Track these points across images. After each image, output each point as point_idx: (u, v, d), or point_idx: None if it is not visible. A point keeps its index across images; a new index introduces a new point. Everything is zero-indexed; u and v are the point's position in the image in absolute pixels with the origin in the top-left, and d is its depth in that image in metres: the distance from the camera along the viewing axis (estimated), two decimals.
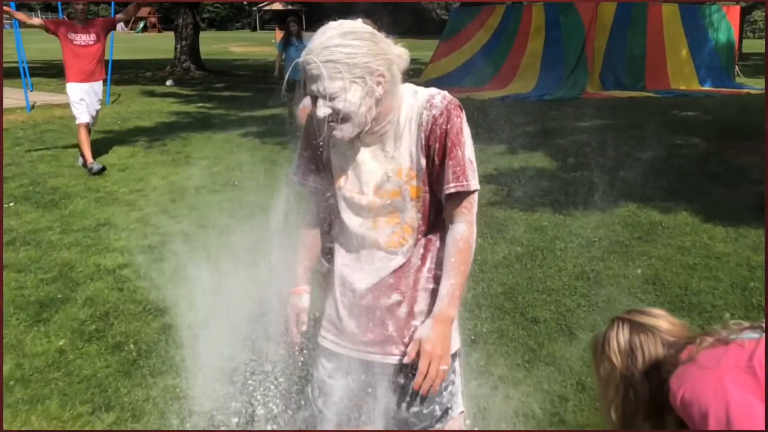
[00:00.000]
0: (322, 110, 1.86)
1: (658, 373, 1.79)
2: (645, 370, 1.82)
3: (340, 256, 2.15)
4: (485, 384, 3.57)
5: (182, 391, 3.55)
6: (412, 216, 2.04)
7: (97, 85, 8.47)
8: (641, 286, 4.81)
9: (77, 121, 8.34)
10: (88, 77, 8.25)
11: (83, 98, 8.27)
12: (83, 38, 8.13)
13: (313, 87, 1.84)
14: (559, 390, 3.55)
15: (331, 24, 1.87)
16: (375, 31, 1.89)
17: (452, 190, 1.98)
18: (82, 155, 8.38)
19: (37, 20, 8.39)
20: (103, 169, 8.22)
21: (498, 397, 3.47)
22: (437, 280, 2.07)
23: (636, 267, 5.15)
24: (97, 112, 8.68)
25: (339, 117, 1.86)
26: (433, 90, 2.02)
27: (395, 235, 2.04)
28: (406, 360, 2.02)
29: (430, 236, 2.08)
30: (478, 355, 3.85)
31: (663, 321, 1.88)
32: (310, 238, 2.26)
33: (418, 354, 1.99)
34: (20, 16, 8.76)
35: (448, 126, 1.96)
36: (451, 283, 2.00)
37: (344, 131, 1.90)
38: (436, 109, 1.96)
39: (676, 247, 5.60)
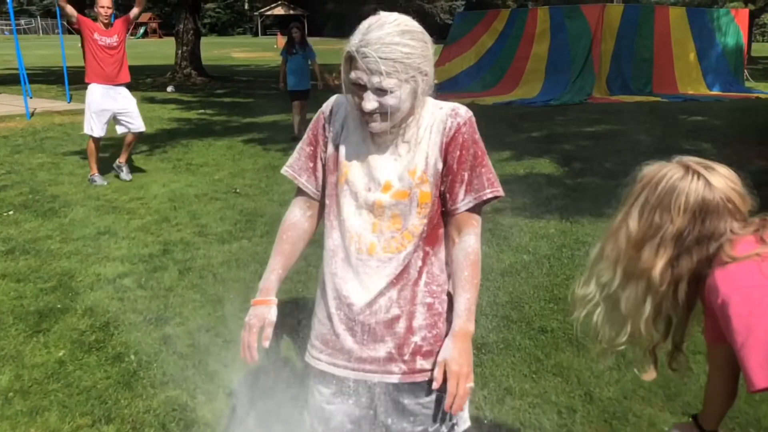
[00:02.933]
0: (371, 104, 1.85)
1: (708, 249, 1.64)
2: (700, 239, 1.65)
3: (327, 264, 2.08)
4: (491, 395, 3.52)
5: (183, 403, 3.49)
6: (415, 223, 1.98)
7: (122, 89, 8.22)
8: None
9: (84, 132, 8.21)
10: (110, 80, 8.07)
11: (104, 108, 8.04)
12: (107, 40, 7.98)
13: (365, 78, 1.83)
14: (566, 401, 3.49)
15: (387, 17, 1.86)
16: (424, 30, 1.90)
17: (489, 195, 1.99)
18: (90, 170, 8.29)
19: (71, 9, 8.18)
20: (104, 184, 8.13)
21: (504, 408, 3.42)
22: (433, 294, 2.03)
23: None
24: (132, 115, 8.27)
25: (386, 111, 1.86)
26: (455, 103, 2.04)
27: (394, 240, 1.99)
28: (435, 386, 1.96)
29: (428, 249, 2.03)
30: (484, 365, 3.79)
31: (735, 192, 1.68)
32: (288, 245, 2.13)
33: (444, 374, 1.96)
34: None
35: (476, 136, 1.99)
36: (467, 298, 1.97)
37: (383, 125, 1.90)
38: (461, 118, 1.98)
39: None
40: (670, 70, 18.21)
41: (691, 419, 2.08)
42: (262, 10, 76.60)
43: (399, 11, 1.91)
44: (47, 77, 22.25)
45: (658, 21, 18.27)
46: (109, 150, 9.24)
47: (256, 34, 79.45)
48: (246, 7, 78.66)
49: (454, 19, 25.63)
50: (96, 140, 8.20)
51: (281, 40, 12.07)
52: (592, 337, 1.87)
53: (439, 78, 19.00)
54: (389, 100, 1.84)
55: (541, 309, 4.57)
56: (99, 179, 8.15)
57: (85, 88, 8.13)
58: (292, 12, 68.53)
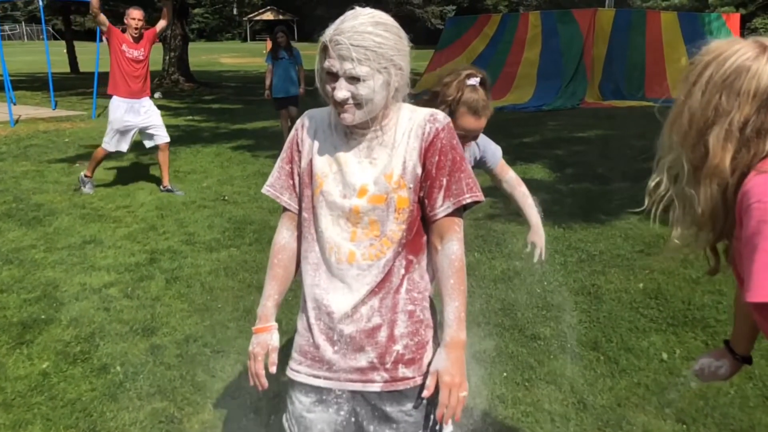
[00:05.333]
0: (343, 93, 1.85)
1: (762, 145, 1.49)
2: (759, 131, 1.48)
3: (309, 276, 2.05)
4: (483, 404, 3.48)
5: (171, 415, 3.45)
6: (393, 229, 1.97)
7: (145, 100, 8.13)
8: (643, 300, 4.71)
9: (104, 147, 8.07)
10: (133, 95, 7.97)
11: (128, 124, 7.94)
12: (134, 53, 7.88)
13: (337, 65, 1.84)
14: (560, 409, 3.46)
15: (362, 10, 1.88)
16: (399, 26, 1.92)
17: (469, 200, 1.97)
18: (87, 171, 8.19)
19: (103, 17, 7.98)
20: (91, 193, 8.02)
21: (497, 417, 3.39)
22: (414, 301, 2.02)
23: (638, 281, 5.06)
24: (156, 127, 8.22)
25: (358, 102, 1.87)
26: (432, 109, 2.05)
27: (373, 248, 1.97)
28: (425, 394, 1.97)
29: (411, 258, 2.01)
30: (475, 373, 3.74)
31: None
32: (281, 269, 2.13)
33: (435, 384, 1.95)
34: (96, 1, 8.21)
35: (454, 141, 1.98)
36: (456, 306, 1.95)
37: (355, 116, 1.90)
38: (439, 123, 1.97)
39: (678, 260, 5.49)
40: (662, 75, 18.19)
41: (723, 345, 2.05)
42: (251, 15, 76.66)
43: (389, 15, 1.91)
44: (32, 84, 22.14)
45: (650, 26, 18.29)
46: (105, 161, 9.17)
47: (245, 40, 79.52)
48: (235, 12, 78.63)
49: (445, 24, 25.60)
50: (107, 151, 8.10)
51: (270, 45, 11.87)
52: (669, 234, 1.69)
53: (430, 84, 18.92)
54: (361, 90, 1.84)
55: (533, 316, 4.53)
56: (88, 186, 8.06)
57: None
58: (281, 17, 68.48)
